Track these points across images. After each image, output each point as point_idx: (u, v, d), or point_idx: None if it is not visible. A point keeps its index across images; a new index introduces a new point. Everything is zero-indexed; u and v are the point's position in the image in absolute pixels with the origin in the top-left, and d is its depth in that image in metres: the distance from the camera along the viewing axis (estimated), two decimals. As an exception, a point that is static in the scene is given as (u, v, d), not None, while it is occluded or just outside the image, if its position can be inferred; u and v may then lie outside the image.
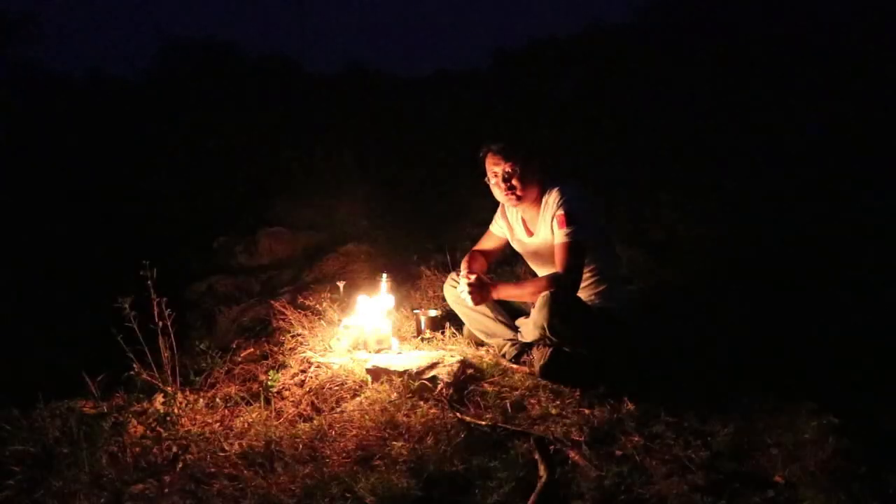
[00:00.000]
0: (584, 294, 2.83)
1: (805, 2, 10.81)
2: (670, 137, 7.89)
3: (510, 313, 3.10)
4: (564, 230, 2.68)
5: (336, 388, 2.69)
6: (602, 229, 2.88)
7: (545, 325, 2.60)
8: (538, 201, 2.85)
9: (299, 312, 3.42)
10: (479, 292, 2.86)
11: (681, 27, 11.20)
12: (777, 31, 10.24)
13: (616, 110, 8.99)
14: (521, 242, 3.06)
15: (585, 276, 2.79)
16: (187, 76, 12.23)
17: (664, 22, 11.76)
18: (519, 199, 2.84)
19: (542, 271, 3.01)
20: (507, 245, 3.19)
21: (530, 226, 2.98)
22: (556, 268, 2.72)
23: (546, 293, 2.62)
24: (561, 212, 2.70)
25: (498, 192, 2.89)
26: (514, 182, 2.80)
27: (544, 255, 2.91)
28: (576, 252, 2.67)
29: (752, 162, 6.87)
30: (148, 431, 2.36)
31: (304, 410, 2.52)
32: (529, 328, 2.80)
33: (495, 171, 2.84)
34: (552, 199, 2.78)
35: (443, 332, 3.23)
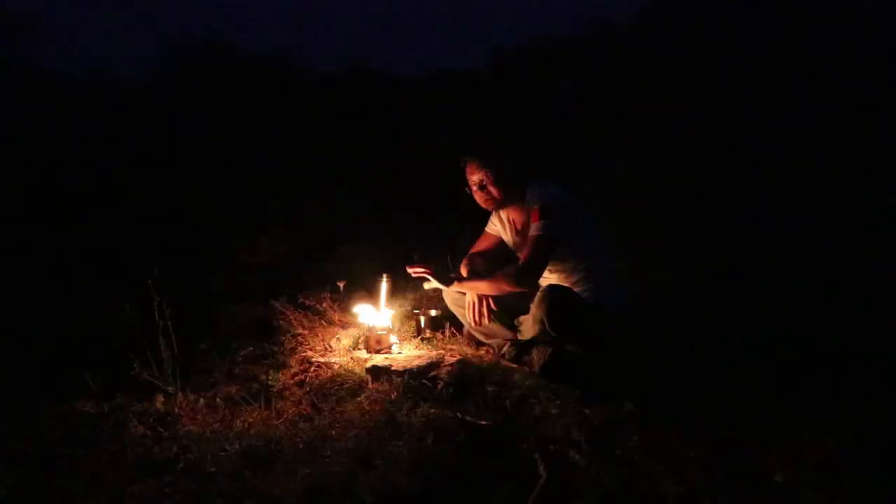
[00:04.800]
0: (576, 289, 2.85)
1: (805, 2, 10.81)
2: (669, 137, 7.89)
3: (509, 313, 3.10)
4: (537, 224, 2.77)
5: (336, 388, 2.69)
6: (585, 224, 2.91)
7: (544, 320, 2.64)
8: (522, 202, 2.94)
9: (299, 312, 3.42)
10: (443, 282, 3.00)
11: (680, 27, 11.20)
12: (777, 30, 10.23)
13: (615, 110, 8.99)
14: (511, 241, 3.14)
15: (575, 272, 2.85)
16: (188, 76, 12.24)
17: (664, 22, 11.77)
18: (498, 204, 2.98)
19: None
20: (504, 244, 3.20)
21: (518, 226, 3.08)
22: (521, 259, 2.83)
23: (544, 288, 2.71)
24: (536, 207, 2.81)
25: (477, 199, 3.02)
26: (490, 189, 2.93)
27: None
28: (543, 246, 2.76)
29: (753, 161, 6.88)
30: (148, 431, 2.36)
31: (305, 410, 2.52)
32: (529, 324, 2.83)
33: (473, 179, 2.97)
34: (531, 196, 2.88)
35: (443, 332, 3.23)
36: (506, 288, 2.85)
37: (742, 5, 11.30)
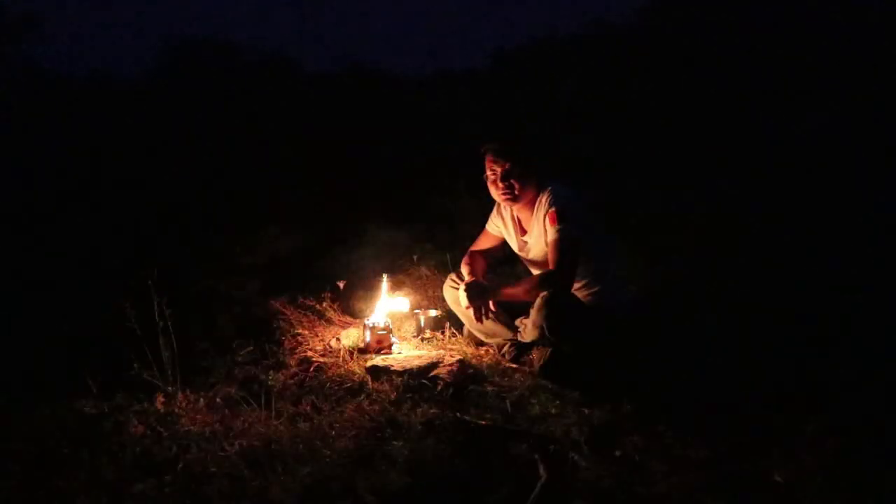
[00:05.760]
0: (580, 293, 2.84)
1: (805, 2, 10.81)
2: (671, 138, 7.89)
3: (510, 313, 3.10)
4: (556, 227, 2.71)
5: (336, 388, 2.69)
6: (594, 228, 2.89)
7: (543, 326, 2.62)
8: (532, 202, 2.88)
9: (299, 312, 3.43)
10: (479, 297, 2.85)
11: (681, 27, 11.20)
12: (778, 30, 10.24)
13: (616, 111, 8.99)
14: (515, 241, 3.09)
15: (581, 274, 2.81)
16: (188, 76, 12.24)
17: (665, 21, 11.76)
18: (514, 198, 2.87)
19: (536, 271, 3.02)
20: (505, 244, 3.19)
21: (524, 225, 3.01)
22: (549, 265, 2.74)
23: (544, 294, 2.66)
24: (552, 209, 2.74)
25: (494, 191, 2.93)
26: (512, 181, 2.84)
27: (538, 254, 2.93)
28: (568, 248, 2.70)
29: (753, 162, 6.87)
30: (148, 431, 2.36)
31: (305, 410, 2.52)
32: (529, 328, 2.81)
33: (494, 168, 2.87)
34: (545, 198, 2.81)
35: (443, 332, 3.23)
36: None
37: (742, 5, 11.30)
